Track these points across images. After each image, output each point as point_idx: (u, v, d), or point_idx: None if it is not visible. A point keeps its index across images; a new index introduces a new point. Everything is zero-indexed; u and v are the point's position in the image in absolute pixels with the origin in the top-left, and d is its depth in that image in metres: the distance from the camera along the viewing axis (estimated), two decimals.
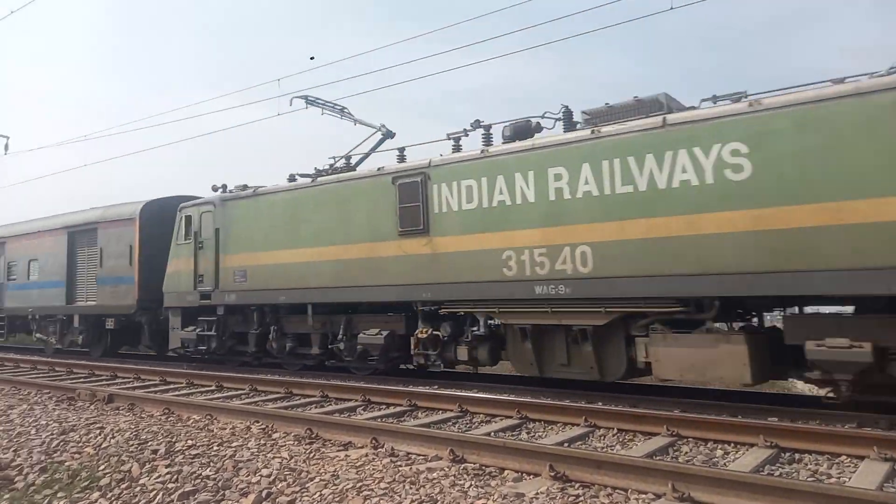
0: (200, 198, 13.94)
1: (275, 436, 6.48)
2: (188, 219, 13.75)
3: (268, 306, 12.43)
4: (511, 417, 7.16)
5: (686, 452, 5.76)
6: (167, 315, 14.28)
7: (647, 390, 9.63)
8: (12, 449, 6.36)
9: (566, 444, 5.77)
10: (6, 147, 27.45)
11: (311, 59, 15.93)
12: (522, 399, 7.73)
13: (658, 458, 5.38)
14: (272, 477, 4.95)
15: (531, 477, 4.82)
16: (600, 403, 7.80)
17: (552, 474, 4.70)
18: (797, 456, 5.47)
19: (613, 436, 6.38)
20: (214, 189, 13.65)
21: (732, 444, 5.83)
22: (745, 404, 7.33)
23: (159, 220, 14.99)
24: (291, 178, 12.27)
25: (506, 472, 4.97)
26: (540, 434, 6.64)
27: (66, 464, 5.76)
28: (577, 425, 6.70)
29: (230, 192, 13.33)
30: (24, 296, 18.63)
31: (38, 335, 18.57)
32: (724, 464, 5.35)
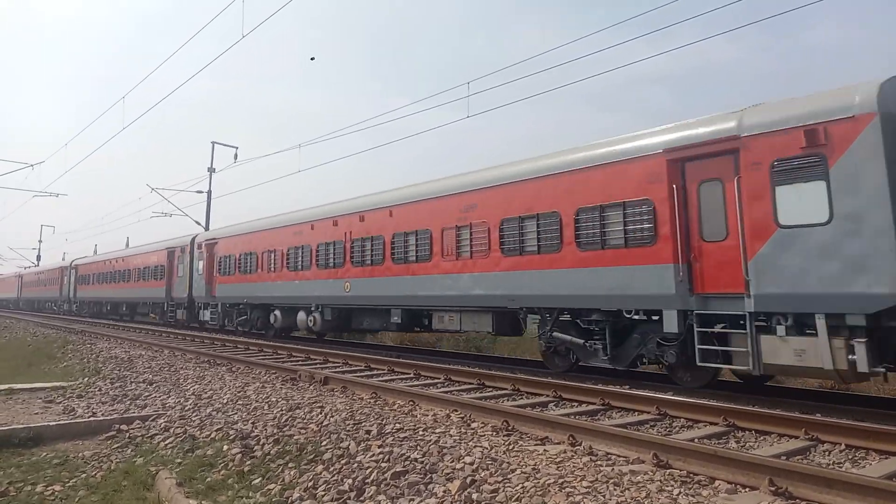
0: None
1: (473, 425, 6.74)
2: None
3: None
4: (716, 424, 6.74)
5: None
6: None
7: (870, 402, 8.53)
8: (251, 421, 7.28)
9: (784, 458, 5.30)
10: (235, 156, 31.54)
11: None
12: (729, 405, 7.22)
13: None
14: (475, 465, 5.14)
15: (746, 490, 4.52)
16: (818, 415, 7.06)
17: (772, 489, 4.36)
18: None
19: (841, 452, 5.75)
20: None
21: None
22: None
23: None
24: None
25: (717, 482, 4.70)
26: (751, 444, 6.17)
27: (294, 437, 6.47)
28: (796, 437, 6.14)
29: None
30: None
31: None
32: None
